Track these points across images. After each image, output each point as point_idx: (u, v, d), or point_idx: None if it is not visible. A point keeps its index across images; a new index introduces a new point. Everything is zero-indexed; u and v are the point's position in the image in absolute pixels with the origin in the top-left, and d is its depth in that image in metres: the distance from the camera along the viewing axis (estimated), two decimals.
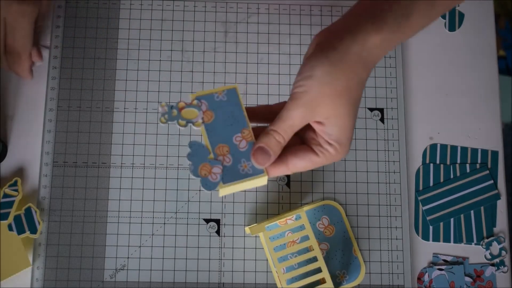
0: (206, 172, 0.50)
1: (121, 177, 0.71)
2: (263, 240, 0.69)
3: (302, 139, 0.54)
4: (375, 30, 0.49)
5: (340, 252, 0.70)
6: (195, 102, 0.53)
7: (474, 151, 0.75)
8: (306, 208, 0.70)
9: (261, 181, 0.51)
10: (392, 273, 0.70)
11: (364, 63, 0.50)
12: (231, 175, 0.51)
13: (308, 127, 0.52)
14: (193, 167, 0.51)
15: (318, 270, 0.65)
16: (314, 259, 0.66)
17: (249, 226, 0.68)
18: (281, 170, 0.52)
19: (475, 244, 0.72)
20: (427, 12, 0.52)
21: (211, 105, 0.53)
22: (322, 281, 0.65)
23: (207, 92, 0.53)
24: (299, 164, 0.52)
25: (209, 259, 0.69)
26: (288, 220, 0.68)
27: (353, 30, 0.50)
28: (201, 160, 0.51)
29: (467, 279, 0.70)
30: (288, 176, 0.72)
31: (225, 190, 0.50)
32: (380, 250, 0.70)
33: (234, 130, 0.52)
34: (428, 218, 0.72)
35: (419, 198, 0.72)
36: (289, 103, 0.50)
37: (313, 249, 0.66)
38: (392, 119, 0.74)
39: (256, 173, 0.51)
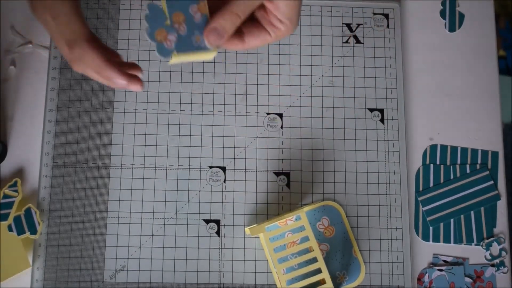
0: (161, 38, 0.50)
1: (121, 178, 0.71)
2: (263, 241, 0.69)
3: (253, 17, 0.53)
4: None
5: (340, 253, 0.70)
6: None
7: (474, 151, 0.74)
8: (306, 208, 0.70)
9: (209, 55, 0.51)
10: (392, 274, 0.70)
11: None
12: (185, 45, 0.51)
13: (259, 7, 0.52)
14: (149, 30, 0.50)
15: (318, 271, 0.65)
16: (314, 260, 0.66)
17: (249, 227, 0.68)
18: (237, 47, 0.53)
19: (475, 244, 0.72)
20: None
21: None
22: (322, 282, 0.65)
23: None
24: (253, 42, 0.53)
25: (209, 259, 0.69)
26: (288, 221, 0.68)
27: None
28: (159, 24, 0.50)
29: (467, 279, 0.70)
30: (288, 177, 0.72)
31: (177, 59, 0.50)
32: (380, 250, 0.70)
33: (191, 0, 0.51)
34: (428, 218, 0.72)
35: (419, 198, 0.72)
36: None
37: (313, 250, 0.66)
38: (392, 119, 0.74)
39: (207, 47, 0.51)
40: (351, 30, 0.77)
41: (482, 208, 0.72)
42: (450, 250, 0.72)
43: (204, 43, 0.51)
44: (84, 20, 0.51)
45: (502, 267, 0.71)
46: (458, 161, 0.74)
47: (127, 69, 0.55)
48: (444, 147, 0.74)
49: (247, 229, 0.69)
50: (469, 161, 0.74)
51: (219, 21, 0.50)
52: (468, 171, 0.74)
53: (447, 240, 0.71)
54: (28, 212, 0.68)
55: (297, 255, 0.68)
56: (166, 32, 0.51)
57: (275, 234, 0.67)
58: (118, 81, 0.52)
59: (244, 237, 0.70)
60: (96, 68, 0.51)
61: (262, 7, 0.52)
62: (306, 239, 0.67)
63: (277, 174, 0.72)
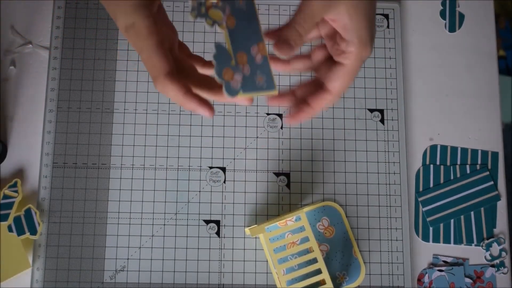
0: (228, 77, 0.52)
1: (121, 178, 0.71)
2: (263, 241, 0.69)
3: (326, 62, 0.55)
4: None
5: (340, 253, 0.70)
6: (220, 3, 0.53)
7: (474, 152, 0.74)
8: (306, 209, 0.70)
9: (272, 93, 0.53)
10: (392, 274, 0.70)
11: None
12: (250, 85, 0.52)
13: (328, 37, 0.54)
14: (218, 68, 0.51)
15: (318, 272, 0.65)
16: (314, 261, 0.66)
17: (249, 227, 0.68)
18: (324, 95, 0.54)
19: (475, 245, 0.72)
20: None
21: (233, 11, 0.53)
22: (322, 282, 0.65)
23: None
24: (337, 84, 0.53)
25: (209, 260, 0.69)
26: (288, 221, 0.68)
27: None
28: (225, 64, 0.52)
29: (467, 280, 0.70)
30: (288, 178, 0.72)
31: (243, 97, 0.52)
32: (380, 251, 0.70)
33: (251, 41, 0.53)
34: (428, 219, 0.72)
35: (419, 199, 0.72)
36: None
37: (313, 250, 0.66)
38: (392, 120, 0.74)
39: (269, 87, 0.52)
40: None
41: (482, 209, 0.72)
42: (450, 250, 0.72)
43: (266, 84, 0.52)
44: (166, 54, 0.52)
45: (502, 268, 0.71)
46: (458, 162, 0.74)
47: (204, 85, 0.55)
48: (444, 148, 0.74)
49: (247, 229, 0.69)
50: (469, 162, 0.74)
51: (285, 33, 0.52)
52: (468, 171, 0.74)
53: (447, 240, 0.71)
54: (28, 213, 0.68)
55: (297, 255, 0.68)
56: (233, 72, 0.52)
57: (275, 234, 0.67)
58: (199, 112, 0.53)
59: (244, 237, 0.70)
60: (178, 102, 0.53)
61: (330, 37, 0.54)
62: (306, 239, 0.67)
63: (277, 174, 0.72)
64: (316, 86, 0.55)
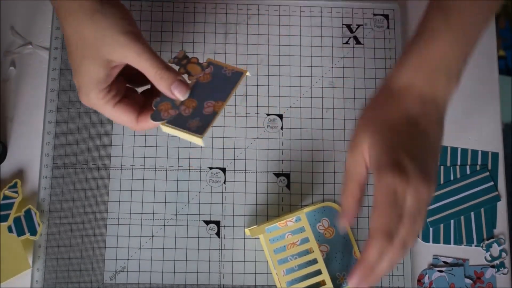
0: (163, 108, 0.55)
1: (121, 179, 0.71)
2: (263, 242, 0.69)
3: None
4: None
5: (340, 254, 0.70)
6: (205, 64, 0.57)
7: (474, 152, 0.74)
8: (306, 210, 0.70)
9: (197, 140, 0.54)
10: (392, 275, 0.70)
11: (408, 94, 0.53)
12: (178, 122, 0.54)
13: None
14: (159, 100, 0.55)
15: (318, 272, 0.65)
16: (314, 261, 0.66)
17: (249, 228, 0.68)
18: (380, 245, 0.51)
19: (475, 245, 0.72)
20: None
21: (214, 72, 0.57)
22: (322, 283, 0.65)
23: (220, 63, 0.57)
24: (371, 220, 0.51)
25: (209, 261, 0.69)
26: (288, 222, 0.68)
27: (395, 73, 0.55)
28: (168, 100, 0.55)
29: (467, 281, 0.70)
30: (288, 178, 0.72)
31: (166, 129, 0.55)
32: None
33: (212, 97, 0.55)
34: (428, 219, 0.72)
35: None
36: None
37: (313, 251, 0.66)
38: None
39: (196, 132, 0.54)
40: (351, 31, 0.77)
41: (482, 209, 0.72)
42: (450, 251, 0.71)
43: (195, 129, 0.54)
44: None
45: (502, 268, 0.71)
46: (458, 162, 0.74)
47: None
48: (444, 148, 0.74)
49: (247, 230, 0.69)
50: (469, 162, 0.74)
51: (342, 202, 0.55)
52: (468, 172, 0.74)
53: (447, 241, 0.71)
54: (28, 213, 0.67)
55: (297, 256, 0.68)
56: (171, 107, 0.55)
57: (275, 235, 0.67)
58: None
59: (244, 238, 0.70)
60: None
61: None
62: (306, 240, 0.67)
63: (277, 175, 0.72)
64: None
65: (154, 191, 0.71)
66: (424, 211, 0.51)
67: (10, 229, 0.67)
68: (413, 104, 0.53)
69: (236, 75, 0.57)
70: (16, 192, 0.68)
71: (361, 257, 0.50)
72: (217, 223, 0.70)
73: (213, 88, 0.56)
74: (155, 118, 0.55)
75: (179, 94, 0.54)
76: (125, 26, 0.52)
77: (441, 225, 0.72)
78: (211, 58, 0.58)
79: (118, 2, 0.55)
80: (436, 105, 0.55)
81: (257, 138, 0.73)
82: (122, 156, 0.72)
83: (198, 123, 0.54)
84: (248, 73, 0.57)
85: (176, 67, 0.56)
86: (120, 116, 0.56)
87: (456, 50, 0.55)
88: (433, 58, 0.54)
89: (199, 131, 0.53)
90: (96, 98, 0.55)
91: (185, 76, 0.56)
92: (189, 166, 0.72)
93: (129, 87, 0.58)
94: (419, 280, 0.70)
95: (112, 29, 0.52)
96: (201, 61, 0.58)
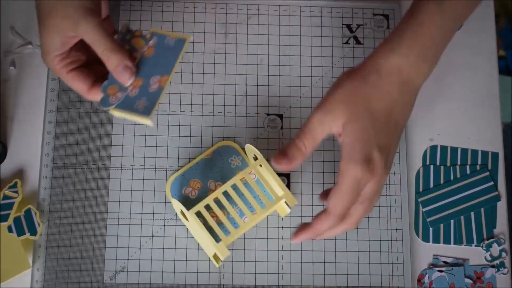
0: (111, 92, 0.56)
1: (121, 179, 0.71)
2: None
3: None
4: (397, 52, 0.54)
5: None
6: (148, 36, 0.58)
7: (474, 152, 0.74)
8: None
9: (145, 121, 0.55)
10: (392, 275, 0.70)
11: (394, 81, 0.53)
12: (126, 105, 0.55)
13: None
14: (106, 83, 0.56)
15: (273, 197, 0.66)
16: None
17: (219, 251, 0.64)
18: (323, 219, 0.54)
19: (475, 245, 0.72)
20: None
21: (157, 44, 0.57)
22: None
23: (163, 32, 0.58)
24: (330, 201, 0.53)
25: (209, 261, 0.69)
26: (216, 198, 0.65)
27: (373, 54, 0.55)
28: (116, 82, 0.56)
29: (467, 280, 0.70)
30: (288, 178, 0.72)
31: (116, 113, 0.56)
32: (380, 251, 0.70)
33: (157, 71, 0.56)
34: (428, 219, 0.72)
35: (419, 199, 0.72)
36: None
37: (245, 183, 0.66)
38: None
39: (143, 113, 0.54)
40: (351, 31, 0.77)
41: (482, 209, 0.72)
42: (450, 251, 0.71)
43: (142, 109, 0.55)
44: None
45: (502, 268, 0.71)
46: (458, 162, 0.74)
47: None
48: (444, 148, 0.74)
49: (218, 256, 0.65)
50: (469, 162, 0.74)
51: (287, 148, 0.54)
52: (468, 172, 0.74)
53: (447, 241, 0.71)
54: (28, 213, 0.67)
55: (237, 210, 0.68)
56: (118, 90, 0.56)
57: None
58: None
59: (244, 238, 0.70)
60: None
61: None
62: (228, 196, 0.65)
63: (278, 175, 0.72)
64: None
65: (154, 191, 0.71)
66: (379, 195, 0.56)
67: (10, 229, 0.67)
68: (394, 90, 0.54)
69: (179, 43, 0.57)
70: (16, 192, 0.68)
71: (311, 226, 0.55)
72: None
73: (157, 61, 0.56)
74: (105, 104, 0.56)
75: (121, 78, 0.56)
76: (86, 2, 0.55)
77: (441, 225, 0.72)
78: (156, 29, 0.58)
79: None
80: (414, 91, 0.56)
81: (257, 138, 0.73)
82: (122, 156, 0.72)
83: (145, 102, 0.54)
84: (191, 38, 0.57)
85: (122, 44, 0.57)
86: (73, 83, 0.59)
87: (443, 36, 0.56)
88: (424, 43, 0.54)
89: (146, 111, 0.54)
90: (52, 62, 0.58)
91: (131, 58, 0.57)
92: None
93: (95, 57, 0.59)
94: (419, 280, 0.70)
95: (73, 2, 0.55)
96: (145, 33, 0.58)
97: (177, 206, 0.66)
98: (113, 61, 0.55)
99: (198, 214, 0.63)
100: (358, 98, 0.53)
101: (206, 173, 0.71)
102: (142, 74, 0.56)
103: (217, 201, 0.64)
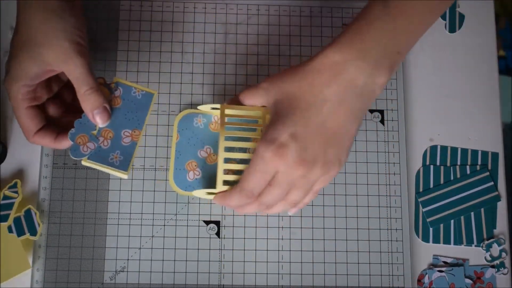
0: (81, 141, 0.56)
1: (121, 179, 0.71)
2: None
3: None
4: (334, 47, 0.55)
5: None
6: (113, 85, 0.58)
7: (475, 152, 0.74)
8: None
9: (121, 175, 0.56)
10: (392, 275, 0.70)
11: (331, 77, 0.55)
12: (100, 157, 0.56)
13: None
14: (74, 131, 0.56)
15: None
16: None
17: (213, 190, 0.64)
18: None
19: (475, 246, 0.72)
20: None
21: (124, 95, 0.58)
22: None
23: (128, 83, 0.58)
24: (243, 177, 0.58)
25: (209, 261, 0.69)
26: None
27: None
28: (84, 130, 0.56)
29: (467, 281, 0.70)
30: None
31: (88, 164, 0.56)
32: (380, 251, 0.70)
33: (128, 125, 0.57)
34: (428, 219, 0.72)
35: (419, 199, 0.72)
36: None
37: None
38: (392, 120, 0.74)
39: (120, 168, 0.56)
40: None
41: (482, 209, 0.72)
42: (450, 251, 0.72)
43: (118, 163, 0.54)
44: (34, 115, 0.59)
45: (502, 268, 0.71)
46: (458, 162, 0.74)
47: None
48: (444, 148, 0.74)
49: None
50: (469, 162, 0.74)
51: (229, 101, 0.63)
52: (468, 172, 0.74)
53: (447, 241, 0.71)
54: (28, 213, 0.67)
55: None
56: (89, 140, 0.56)
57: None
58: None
59: (244, 238, 0.70)
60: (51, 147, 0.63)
61: None
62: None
63: None
64: None
65: (154, 191, 0.71)
66: (296, 187, 0.56)
67: (10, 229, 0.67)
68: (331, 87, 0.54)
69: (147, 97, 0.57)
70: (16, 192, 0.68)
71: (224, 194, 0.60)
72: (217, 223, 0.70)
73: (126, 114, 0.57)
74: (76, 154, 0.55)
75: (99, 120, 0.56)
76: (75, 37, 0.54)
77: (441, 225, 0.72)
78: (118, 78, 0.58)
79: (79, 13, 0.57)
80: (353, 88, 0.55)
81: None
82: None
83: (120, 157, 0.55)
84: (156, 93, 0.58)
85: None
86: (25, 121, 0.58)
87: (391, 37, 0.55)
88: (365, 41, 0.54)
89: (122, 167, 0.55)
90: (17, 91, 0.56)
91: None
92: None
93: (52, 116, 0.60)
94: (419, 280, 0.70)
95: (62, 34, 0.54)
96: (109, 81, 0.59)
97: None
98: (95, 102, 0.55)
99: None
100: (289, 86, 0.56)
101: (190, 151, 0.70)
102: (112, 125, 0.57)
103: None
